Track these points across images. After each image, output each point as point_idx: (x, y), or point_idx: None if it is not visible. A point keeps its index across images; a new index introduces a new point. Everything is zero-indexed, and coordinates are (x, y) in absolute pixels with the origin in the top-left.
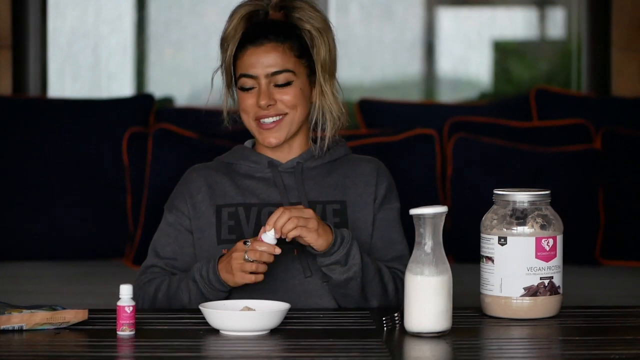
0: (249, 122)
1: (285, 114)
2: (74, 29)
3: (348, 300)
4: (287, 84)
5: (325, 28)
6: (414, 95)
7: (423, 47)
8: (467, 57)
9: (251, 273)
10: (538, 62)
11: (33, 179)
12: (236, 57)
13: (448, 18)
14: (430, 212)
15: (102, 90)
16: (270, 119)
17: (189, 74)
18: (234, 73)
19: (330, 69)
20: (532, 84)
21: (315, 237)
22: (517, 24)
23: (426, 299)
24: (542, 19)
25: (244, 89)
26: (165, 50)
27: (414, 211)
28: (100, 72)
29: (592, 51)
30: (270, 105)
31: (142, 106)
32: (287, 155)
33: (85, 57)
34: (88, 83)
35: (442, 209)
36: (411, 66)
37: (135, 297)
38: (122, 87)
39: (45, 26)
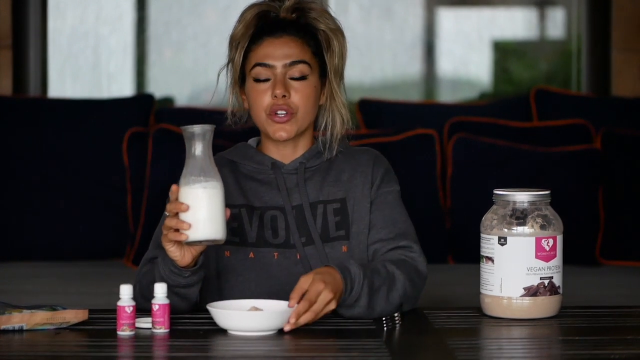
0: (260, 116)
1: (295, 113)
2: (74, 29)
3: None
4: (303, 77)
5: (339, 31)
6: (414, 95)
7: (423, 47)
8: (467, 57)
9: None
10: (538, 62)
11: (33, 179)
12: (248, 51)
13: (448, 18)
14: (199, 128)
15: (102, 91)
16: (283, 112)
17: (189, 74)
18: (243, 70)
19: (341, 72)
20: (532, 84)
21: (333, 308)
22: (517, 24)
23: (199, 208)
24: (542, 19)
25: (258, 80)
26: (165, 51)
27: (185, 127)
28: (101, 72)
29: (592, 51)
30: (284, 96)
31: (142, 106)
32: (291, 155)
33: (86, 57)
34: (88, 83)
35: (210, 126)
36: (411, 66)
37: (134, 287)
38: (122, 87)
39: (45, 26)
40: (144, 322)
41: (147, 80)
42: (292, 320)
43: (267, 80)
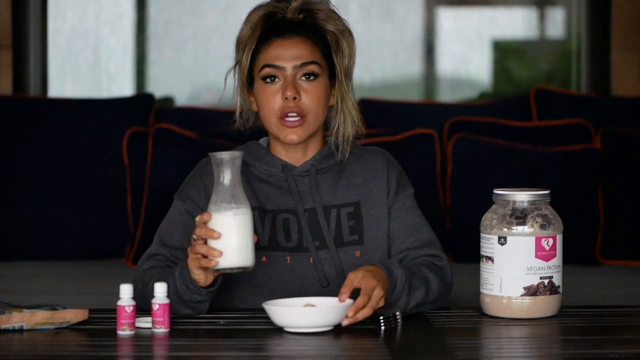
0: (270, 120)
1: (305, 116)
2: (74, 29)
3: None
4: (314, 78)
5: (348, 31)
6: (414, 95)
7: (423, 47)
8: (467, 57)
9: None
10: (538, 61)
11: (33, 179)
12: (256, 52)
13: (448, 18)
14: (228, 155)
15: (102, 90)
16: (294, 117)
17: (189, 74)
18: (251, 72)
19: (350, 73)
20: (532, 83)
21: (382, 305)
22: (517, 24)
23: (231, 236)
24: (542, 18)
25: (267, 82)
26: (165, 50)
27: (213, 153)
28: (100, 72)
29: (592, 51)
30: (295, 98)
31: (142, 106)
32: (301, 157)
33: (86, 57)
34: (88, 83)
35: (239, 153)
36: (411, 66)
37: (134, 283)
38: (122, 87)
39: (45, 26)
40: (144, 322)
41: (147, 79)
42: (351, 314)
43: (276, 80)
